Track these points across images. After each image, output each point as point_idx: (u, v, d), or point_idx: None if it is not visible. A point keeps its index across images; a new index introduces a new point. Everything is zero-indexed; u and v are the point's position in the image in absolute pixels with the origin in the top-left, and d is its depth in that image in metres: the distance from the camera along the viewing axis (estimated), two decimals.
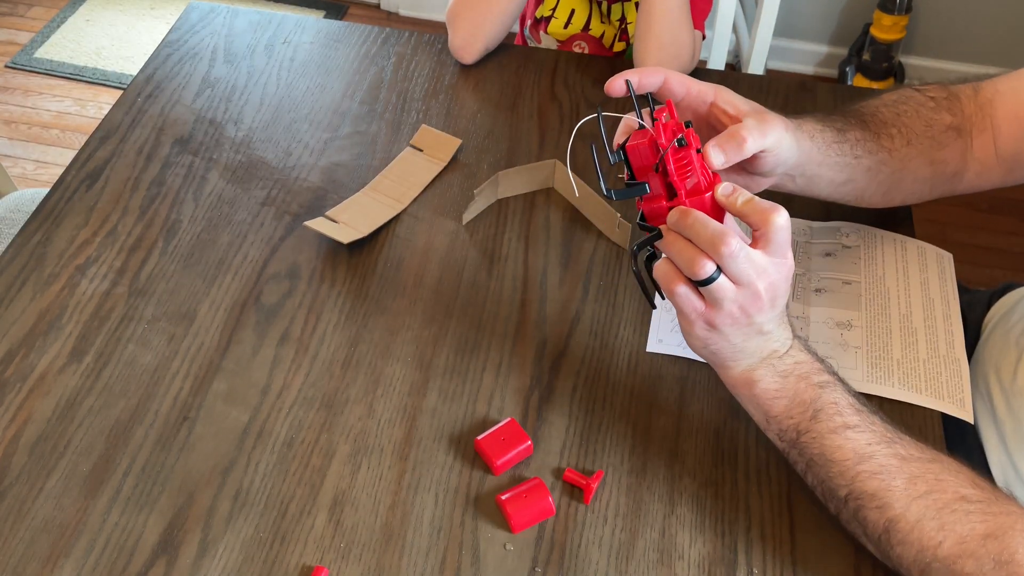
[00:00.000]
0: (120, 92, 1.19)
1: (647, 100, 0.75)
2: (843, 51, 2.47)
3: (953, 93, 0.89)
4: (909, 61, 2.44)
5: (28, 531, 0.74)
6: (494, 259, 0.95)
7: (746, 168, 0.77)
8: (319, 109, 1.11)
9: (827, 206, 0.94)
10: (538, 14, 1.29)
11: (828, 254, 0.94)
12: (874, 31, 2.29)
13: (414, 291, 0.92)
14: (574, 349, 0.87)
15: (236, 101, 1.11)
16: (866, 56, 2.35)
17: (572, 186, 0.98)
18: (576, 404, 0.83)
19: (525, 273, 0.94)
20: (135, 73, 1.15)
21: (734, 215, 0.68)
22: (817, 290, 0.91)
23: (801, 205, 0.96)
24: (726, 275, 0.66)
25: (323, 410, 0.82)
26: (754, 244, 0.67)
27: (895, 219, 0.98)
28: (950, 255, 0.95)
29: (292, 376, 0.84)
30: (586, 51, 1.30)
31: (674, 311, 0.88)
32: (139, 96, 1.12)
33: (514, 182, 1.00)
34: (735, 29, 2.33)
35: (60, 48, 2.50)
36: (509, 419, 0.80)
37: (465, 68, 1.17)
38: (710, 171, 0.69)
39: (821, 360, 0.74)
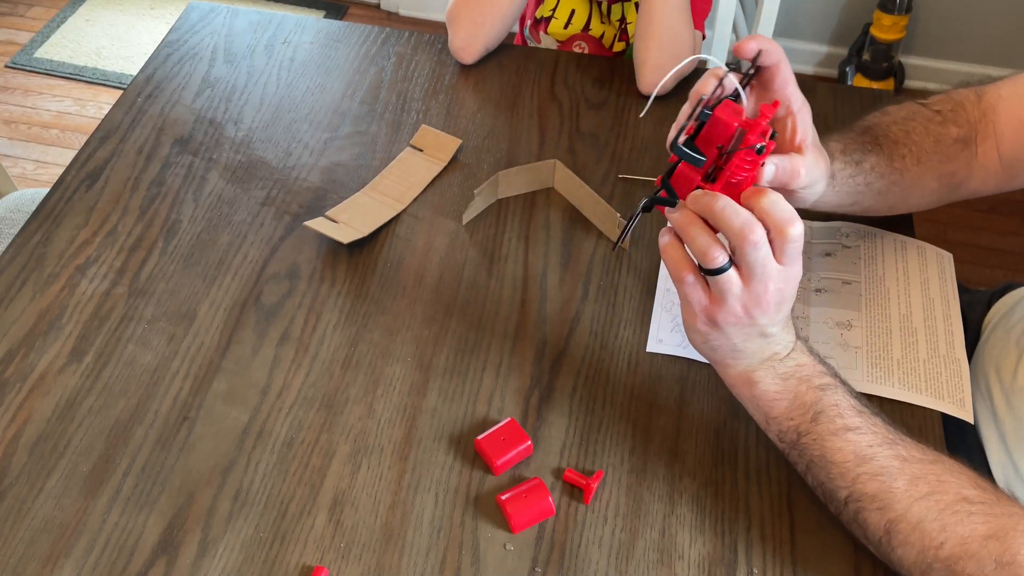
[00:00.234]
0: (120, 92, 1.19)
1: (742, 84, 0.72)
2: (843, 51, 2.47)
3: (958, 102, 0.89)
4: (909, 61, 2.44)
5: (28, 531, 0.74)
6: (494, 259, 0.95)
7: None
8: (319, 109, 1.11)
9: None
10: (538, 14, 1.29)
11: (828, 254, 0.94)
12: (874, 31, 2.29)
13: (414, 291, 0.92)
14: (574, 349, 0.87)
15: (236, 101, 1.11)
16: (866, 56, 2.35)
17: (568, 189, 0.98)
18: (576, 404, 0.83)
19: (525, 273, 0.93)
20: (135, 73, 1.15)
21: (753, 212, 0.66)
22: (817, 290, 0.91)
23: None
24: (739, 269, 0.66)
25: (323, 410, 0.82)
26: None
27: (895, 219, 0.98)
28: (950, 255, 0.95)
29: (292, 376, 0.84)
30: (586, 51, 1.30)
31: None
32: (139, 96, 1.12)
33: (514, 182, 1.00)
34: (735, 29, 2.33)
35: (60, 48, 2.50)
36: (509, 419, 0.80)
37: (465, 68, 1.17)
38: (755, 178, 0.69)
39: (823, 362, 0.74)
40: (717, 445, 0.80)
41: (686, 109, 0.72)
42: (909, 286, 0.92)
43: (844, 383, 0.73)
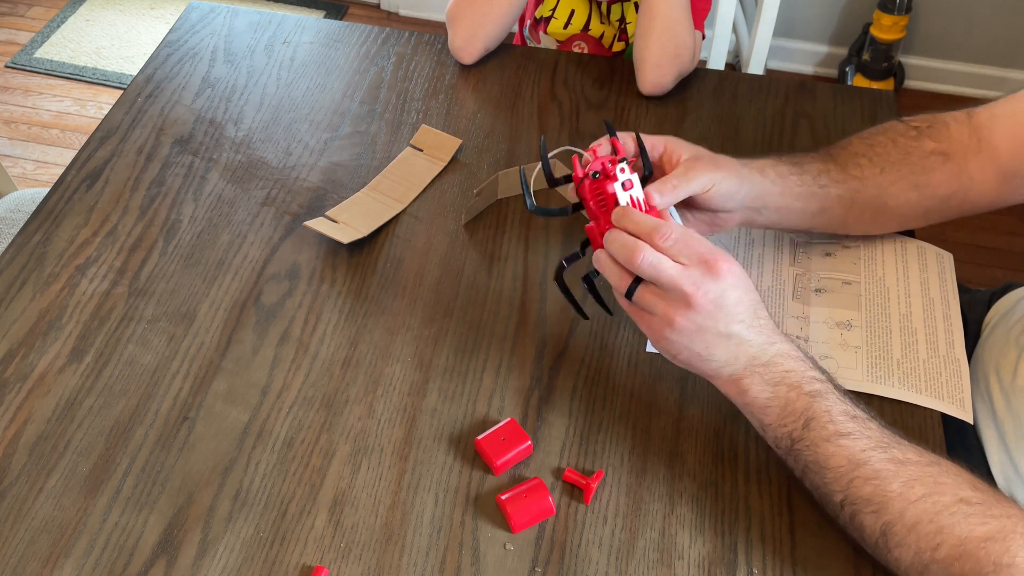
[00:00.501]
0: (120, 92, 1.19)
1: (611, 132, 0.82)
2: (843, 51, 2.47)
3: (940, 120, 0.90)
4: (909, 61, 2.44)
5: (28, 531, 0.74)
6: (494, 259, 0.95)
7: (698, 208, 0.83)
8: (319, 109, 1.11)
9: None
10: (538, 14, 1.29)
11: (828, 254, 0.94)
12: (874, 31, 2.29)
13: (414, 291, 0.92)
14: (574, 349, 0.87)
15: (236, 101, 1.11)
16: (866, 56, 2.35)
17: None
18: (576, 404, 0.83)
19: (525, 273, 0.94)
20: (135, 73, 1.15)
21: (626, 231, 0.74)
22: (817, 290, 0.91)
23: None
24: (645, 285, 0.73)
25: (323, 410, 0.82)
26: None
27: None
28: (950, 255, 0.95)
29: (292, 376, 0.84)
30: (585, 51, 1.30)
31: None
32: (139, 96, 1.12)
33: (514, 182, 1.00)
34: (735, 29, 2.34)
35: (60, 48, 2.50)
36: (509, 419, 0.80)
37: (465, 68, 1.17)
38: (651, 205, 0.77)
39: (815, 367, 0.74)
40: (717, 445, 0.80)
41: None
42: (909, 286, 0.92)
43: (837, 387, 0.73)
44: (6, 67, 2.45)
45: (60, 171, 1.10)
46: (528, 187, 0.80)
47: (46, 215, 0.98)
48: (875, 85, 2.37)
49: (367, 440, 0.80)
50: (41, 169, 2.20)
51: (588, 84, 1.15)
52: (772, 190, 0.85)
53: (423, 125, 1.07)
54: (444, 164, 1.04)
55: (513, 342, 0.87)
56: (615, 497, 0.77)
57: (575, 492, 0.77)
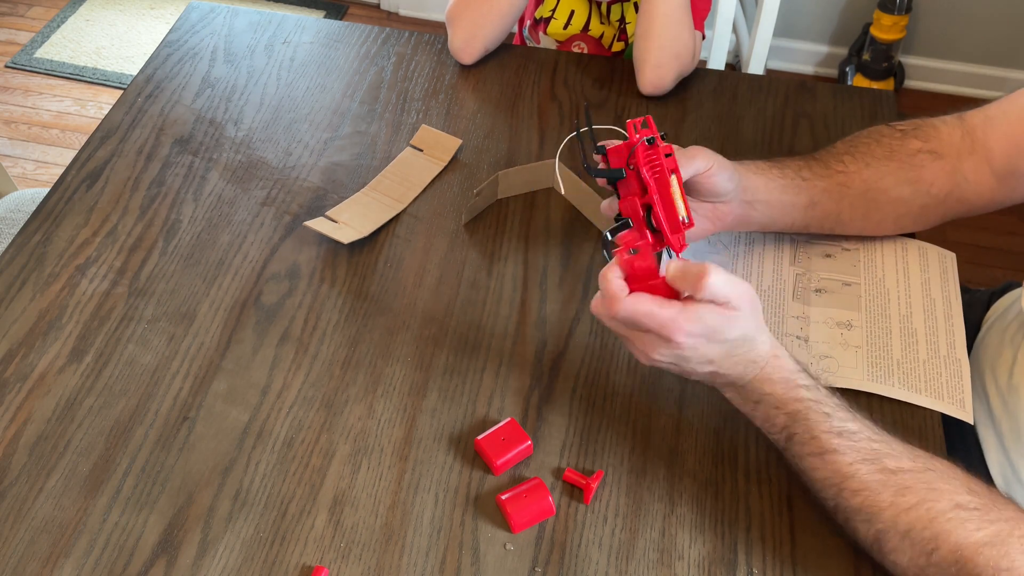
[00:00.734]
0: (120, 92, 1.19)
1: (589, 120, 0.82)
2: (843, 51, 2.47)
3: (927, 123, 0.91)
4: (909, 61, 2.44)
5: (28, 531, 0.74)
6: (494, 259, 0.95)
7: (700, 195, 0.84)
8: (319, 109, 1.11)
9: None
10: (537, 15, 1.29)
11: (828, 255, 0.94)
12: (874, 31, 2.29)
13: (414, 291, 0.92)
14: (574, 349, 0.87)
15: (236, 101, 1.11)
16: (866, 56, 2.35)
17: (559, 182, 0.98)
18: (576, 404, 0.83)
19: (525, 273, 0.93)
20: (135, 73, 1.15)
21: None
22: (817, 290, 0.91)
23: None
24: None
25: (323, 410, 0.82)
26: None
27: None
28: (953, 255, 0.95)
29: (292, 376, 0.84)
30: (585, 51, 1.30)
31: None
32: (139, 96, 1.12)
33: (514, 182, 1.00)
34: (735, 29, 2.33)
35: (60, 48, 2.50)
36: (509, 419, 0.80)
37: (465, 68, 1.17)
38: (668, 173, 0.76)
39: (803, 384, 0.73)
40: (717, 445, 0.80)
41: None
42: (910, 287, 0.92)
43: (821, 404, 0.72)
44: (6, 67, 2.45)
45: (60, 171, 1.10)
46: (585, 146, 0.79)
47: (46, 215, 0.98)
48: (875, 85, 2.37)
49: (367, 440, 0.80)
50: (41, 169, 2.20)
51: (588, 84, 1.15)
52: (757, 182, 0.86)
53: (423, 125, 1.07)
54: (444, 164, 1.04)
55: (513, 342, 0.87)
56: (615, 497, 0.77)
57: (575, 492, 0.77)
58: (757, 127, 1.10)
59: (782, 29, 2.42)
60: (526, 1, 1.16)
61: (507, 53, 1.19)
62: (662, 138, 0.76)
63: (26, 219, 0.99)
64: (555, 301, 0.91)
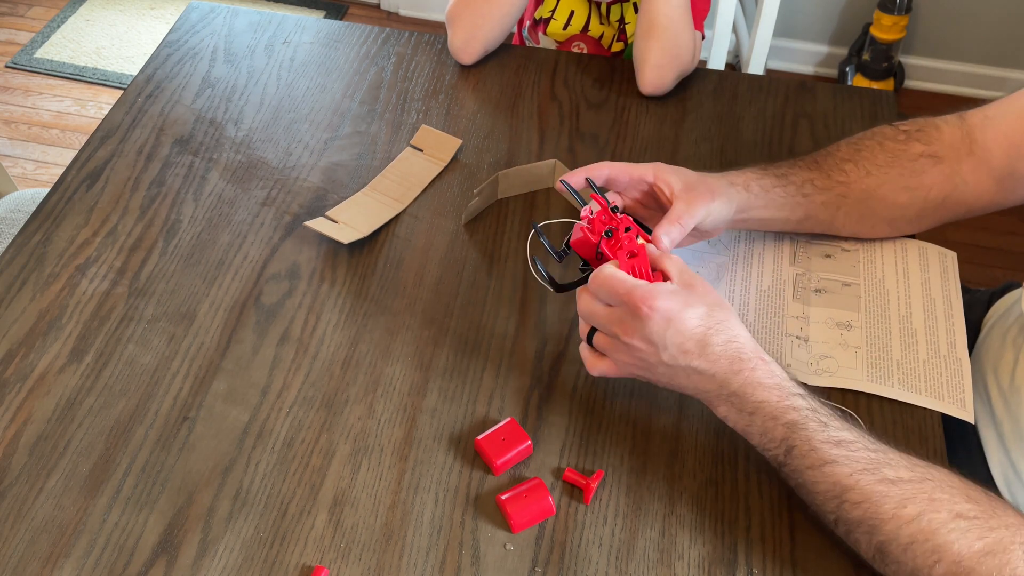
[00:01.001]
0: (120, 92, 1.19)
1: (592, 187, 0.85)
2: (843, 51, 2.47)
3: (930, 123, 0.91)
4: (909, 61, 2.44)
5: (28, 531, 0.74)
6: (494, 259, 0.95)
7: (701, 234, 0.88)
8: (319, 109, 1.11)
9: None
10: (537, 15, 1.29)
11: (827, 256, 0.94)
12: (874, 31, 2.29)
13: (414, 291, 0.92)
14: (574, 349, 0.87)
15: (236, 101, 1.11)
16: (866, 56, 2.35)
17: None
18: (576, 404, 0.83)
19: (525, 273, 0.93)
20: (135, 73, 1.15)
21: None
22: (817, 290, 0.91)
23: None
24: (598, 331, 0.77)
25: (323, 410, 0.82)
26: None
27: None
28: (953, 254, 0.95)
29: (292, 376, 0.84)
30: (585, 52, 1.30)
31: None
32: (139, 96, 1.12)
33: (514, 182, 1.00)
34: (735, 29, 2.33)
35: (60, 48, 2.50)
36: (509, 419, 0.80)
37: (465, 68, 1.17)
38: (655, 244, 0.80)
39: (794, 392, 0.72)
40: (717, 445, 0.80)
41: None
42: (909, 287, 0.92)
43: (817, 412, 0.71)
44: (6, 67, 2.45)
45: (60, 171, 1.11)
46: (546, 273, 0.82)
47: (46, 215, 0.98)
48: (875, 85, 2.37)
49: (367, 440, 0.80)
50: (41, 169, 2.20)
51: (588, 84, 1.15)
52: (756, 203, 0.88)
53: (423, 125, 1.07)
54: (444, 164, 1.04)
55: (513, 342, 0.87)
56: (615, 497, 0.77)
57: (575, 492, 0.77)
58: (757, 127, 1.10)
59: (782, 29, 2.42)
60: (526, 1, 1.16)
61: (507, 53, 1.19)
62: (613, 211, 0.79)
63: (26, 219, 0.99)
64: (555, 301, 0.91)
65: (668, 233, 0.81)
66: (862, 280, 0.92)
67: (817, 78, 2.52)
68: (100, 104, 2.35)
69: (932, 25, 2.36)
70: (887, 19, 2.25)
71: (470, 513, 0.76)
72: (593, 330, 0.77)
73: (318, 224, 0.94)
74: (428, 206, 1.00)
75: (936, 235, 0.97)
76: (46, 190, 1.03)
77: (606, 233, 0.78)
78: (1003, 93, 0.91)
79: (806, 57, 2.52)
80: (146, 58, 1.18)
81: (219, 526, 0.74)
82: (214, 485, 0.77)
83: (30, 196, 1.29)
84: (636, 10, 1.24)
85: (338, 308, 0.90)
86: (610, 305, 0.74)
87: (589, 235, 0.80)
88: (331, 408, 0.82)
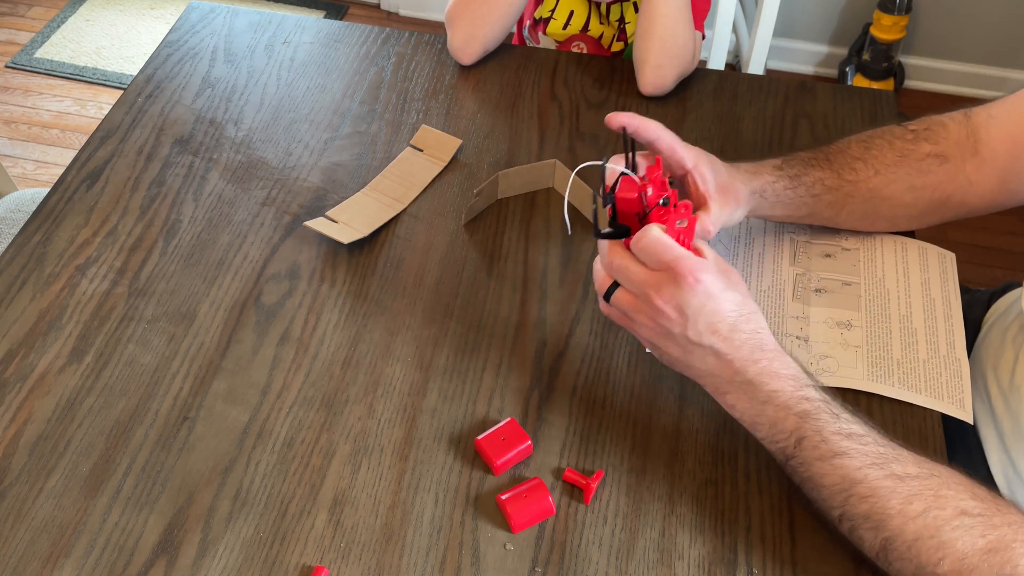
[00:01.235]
0: (120, 92, 1.19)
1: (631, 144, 0.81)
2: (843, 51, 2.47)
3: (937, 122, 0.91)
4: (909, 61, 2.44)
5: (28, 531, 0.74)
6: (494, 259, 0.95)
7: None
8: (319, 109, 1.11)
9: None
10: (537, 15, 1.29)
11: (828, 255, 0.94)
12: (874, 31, 2.29)
13: (414, 291, 0.92)
14: (574, 349, 0.87)
15: (236, 101, 1.11)
16: (866, 56, 2.35)
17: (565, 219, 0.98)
18: (576, 404, 0.83)
19: (525, 273, 0.94)
20: (135, 73, 1.15)
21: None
22: (817, 290, 0.91)
23: None
24: (623, 288, 0.75)
25: (323, 410, 0.82)
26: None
27: None
28: (952, 255, 0.95)
29: (292, 376, 0.84)
30: (584, 52, 1.30)
31: None
32: (139, 96, 1.12)
33: (514, 182, 1.00)
34: (735, 29, 2.33)
35: (60, 48, 2.50)
36: (509, 419, 0.80)
37: (465, 68, 1.17)
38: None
39: (808, 383, 0.72)
40: (717, 445, 0.80)
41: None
42: (909, 287, 0.92)
43: (829, 404, 0.71)
44: (6, 67, 2.45)
45: (60, 171, 1.10)
46: (595, 216, 0.78)
47: (46, 215, 0.98)
48: (875, 85, 2.37)
49: (367, 440, 0.80)
50: (41, 169, 2.20)
51: (588, 84, 1.15)
52: (764, 205, 0.88)
53: (423, 125, 1.07)
54: (444, 164, 1.04)
55: (513, 342, 0.87)
56: (615, 497, 0.77)
57: (575, 492, 0.77)
58: (757, 127, 1.10)
59: (782, 29, 2.42)
60: (525, 1, 1.16)
61: (507, 53, 1.19)
62: (670, 183, 0.76)
63: (26, 219, 0.99)
64: (555, 301, 0.91)
65: (704, 232, 0.81)
66: (862, 279, 0.92)
67: (817, 78, 2.52)
68: (100, 104, 2.35)
69: (932, 25, 2.36)
70: (887, 19, 2.25)
71: (470, 513, 0.76)
72: (611, 289, 0.75)
73: (318, 224, 0.94)
74: (428, 206, 1.00)
75: (936, 235, 0.97)
76: (46, 190, 1.03)
77: (663, 201, 0.75)
78: (1003, 93, 0.91)
79: (806, 57, 2.52)
80: (146, 58, 1.18)
81: (219, 526, 0.74)
82: (214, 485, 0.77)
83: (30, 196, 1.29)
84: (636, 10, 1.24)
85: (338, 308, 0.90)
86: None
87: (643, 199, 0.75)
88: (331, 408, 0.82)
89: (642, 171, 0.77)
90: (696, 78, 1.16)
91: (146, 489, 0.76)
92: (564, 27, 1.28)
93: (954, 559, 0.65)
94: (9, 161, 2.21)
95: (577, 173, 0.90)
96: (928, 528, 0.66)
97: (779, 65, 2.53)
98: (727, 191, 0.83)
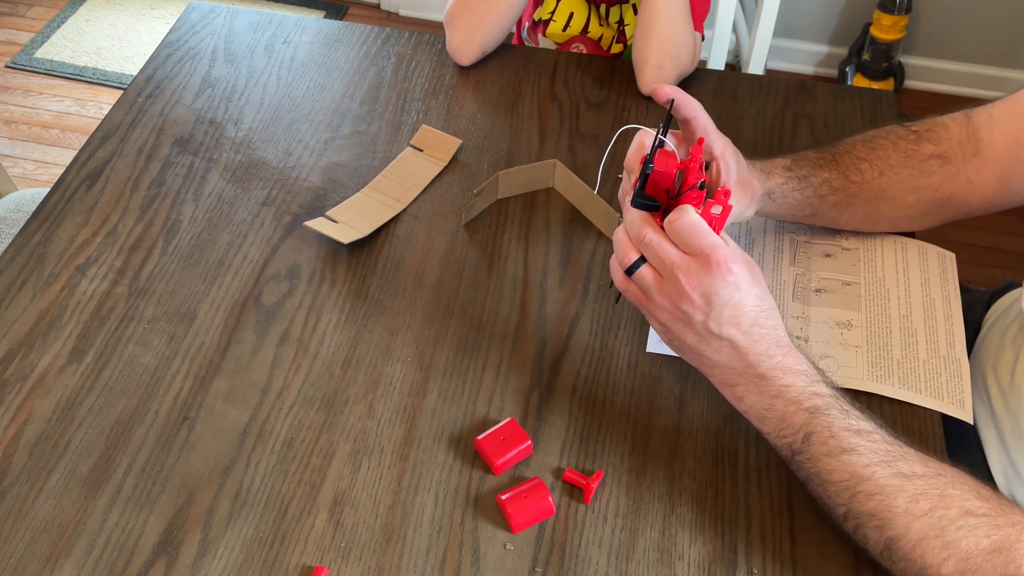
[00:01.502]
0: (120, 92, 1.19)
1: (668, 121, 0.79)
2: (843, 51, 2.47)
3: (939, 123, 0.91)
4: (909, 61, 2.44)
5: (28, 531, 0.74)
6: (494, 259, 0.95)
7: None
8: (319, 109, 1.11)
9: None
10: (536, 16, 1.29)
11: (828, 255, 0.94)
12: (874, 31, 2.29)
13: (414, 291, 0.92)
14: (574, 349, 0.87)
15: (236, 101, 1.11)
16: (866, 56, 2.35)
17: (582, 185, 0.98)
18: (576, 404, 0.83)
19: (525, 273, 0.94)
20: (135, 73, 1.15)
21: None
22: (817, 290, 0.91)
23: None
24: (649, 265, 0.72)
25: (323, 410, 0.82)
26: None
27: None
28: (952, 255, 0.95)
29: (292, 376, 0.84)
30: (584, 53, 1.29)
31: None
32: (139, 96, 1.12)
33: (514, 182, 1.00)
34: (735, 29, 2.34)
35: (60, 48, 2.50)
36: (509, 419, 0.80)
37: (465, 68, 1.17)
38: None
39: (820, 380, 0.72)
40: (717, 445, 0.80)
41: (629, 166, 0.79)
42: (909, 287, 0.92)
43: (842, 401, 0.71)
44: (6, 67, 2.45)
45: (60, 171, 1.11)
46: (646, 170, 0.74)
47: (46, 215, 0.98)
48: (875, 85, 2.37)
49: (367, 440, 0.80)
50: (41, 169, 2.20)
51: (588, 84, 1.15)
52: (771, 206, 0.89)
53: (423, 125, 1.07)
54: (444, 164, 1.04)
55: (513, 342, 0.87)
56: (615, 497, 0.77)
57: (575, 492, 0.77)
58: (757, 127, 1.10)
59: (782, 29, 2.42)
60: (524, 2, 1.16)
61: (507, 53, 1.19)
62: (707, 170, 0.77)
63: (26, 219, 0.99)
64: (555, 301, 0.91)
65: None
66: (862, 279, 0.92)
67: (817, 78, 2.52)
68: (100, 104, 2.35)
69: (932, 25, 2.36)
70: (887, 19, 2.25)
71: (470, 513, 0.76)
72: (636, 264, 0.73)
73: (318, 224, 0.94)
74: (428, 206, 1.00)
75: (936, 235, 0.97)
76: (46, 190, 1.03)
77: (700, 185, 0.73)
78: (1004, 93, 0.91)
79: (806, 57, 2.52)
80: (146, 58, 1.18)
81: (219, 526, 0.74)
82: (214, 485, 0.77)
83: (30, 196, 1.29)
84: (635, 11, 1.24)
85: (338, 308, 0.90)
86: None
87: (679, 177, 0.74)
88: (331, 408, 0.82)
89: (682, 151, 0.77)
90: (696, 78, 1.16)
91: (146, 489, 0.76)
92: (564, 29, 1.28)
93: (958, 559, 0.65)
94: (9, 161, 2.21)
95: (620, 134, 0.91)
96: (933, 528, 0.66)
97: (779, 65, 2.53)
98: (746, 186, 0.84)
